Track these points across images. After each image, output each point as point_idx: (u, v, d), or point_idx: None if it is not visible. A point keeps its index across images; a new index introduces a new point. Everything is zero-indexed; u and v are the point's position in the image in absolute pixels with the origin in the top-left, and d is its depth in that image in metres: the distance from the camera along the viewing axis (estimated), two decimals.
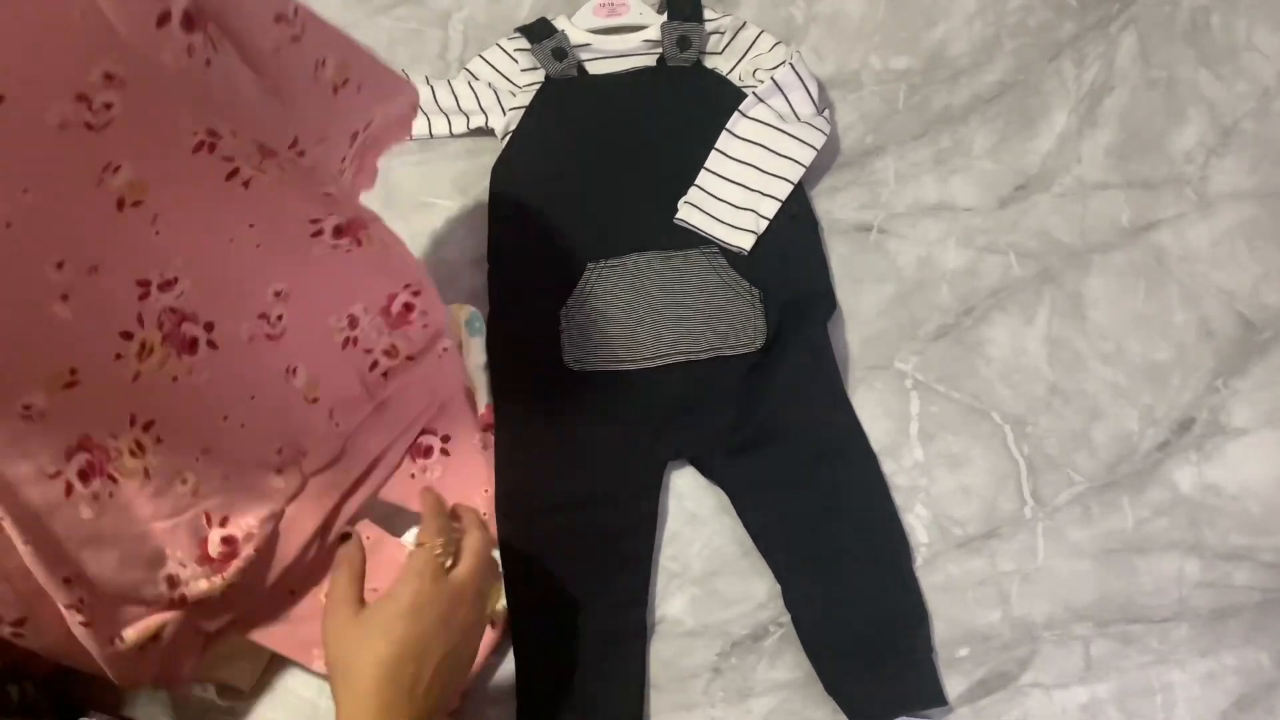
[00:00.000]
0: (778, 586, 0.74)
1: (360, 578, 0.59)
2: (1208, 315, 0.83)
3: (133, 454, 0.59)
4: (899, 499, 0.77)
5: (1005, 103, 0.91)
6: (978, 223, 0.86)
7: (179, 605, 0.62)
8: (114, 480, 0.58)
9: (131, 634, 0.60)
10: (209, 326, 0.62)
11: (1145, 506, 0.77)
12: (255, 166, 0.60)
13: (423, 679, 0.53)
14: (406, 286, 0.71)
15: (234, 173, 0.60)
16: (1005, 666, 0.73)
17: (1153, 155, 0.89)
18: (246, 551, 0.65)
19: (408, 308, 0.72)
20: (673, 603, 0.74)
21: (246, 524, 0.66)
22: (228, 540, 0.64)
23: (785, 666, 0.73)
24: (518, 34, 0.89)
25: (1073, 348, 0.82)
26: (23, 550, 0.52)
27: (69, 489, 0.55)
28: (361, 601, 0.57)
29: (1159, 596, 0.74)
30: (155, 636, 0.61)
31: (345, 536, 0.63)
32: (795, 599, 0.73)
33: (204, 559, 0.63)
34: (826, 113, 0.87)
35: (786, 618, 0.73)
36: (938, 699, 0.71)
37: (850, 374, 0.81)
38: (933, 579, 0.75)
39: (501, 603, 0.71)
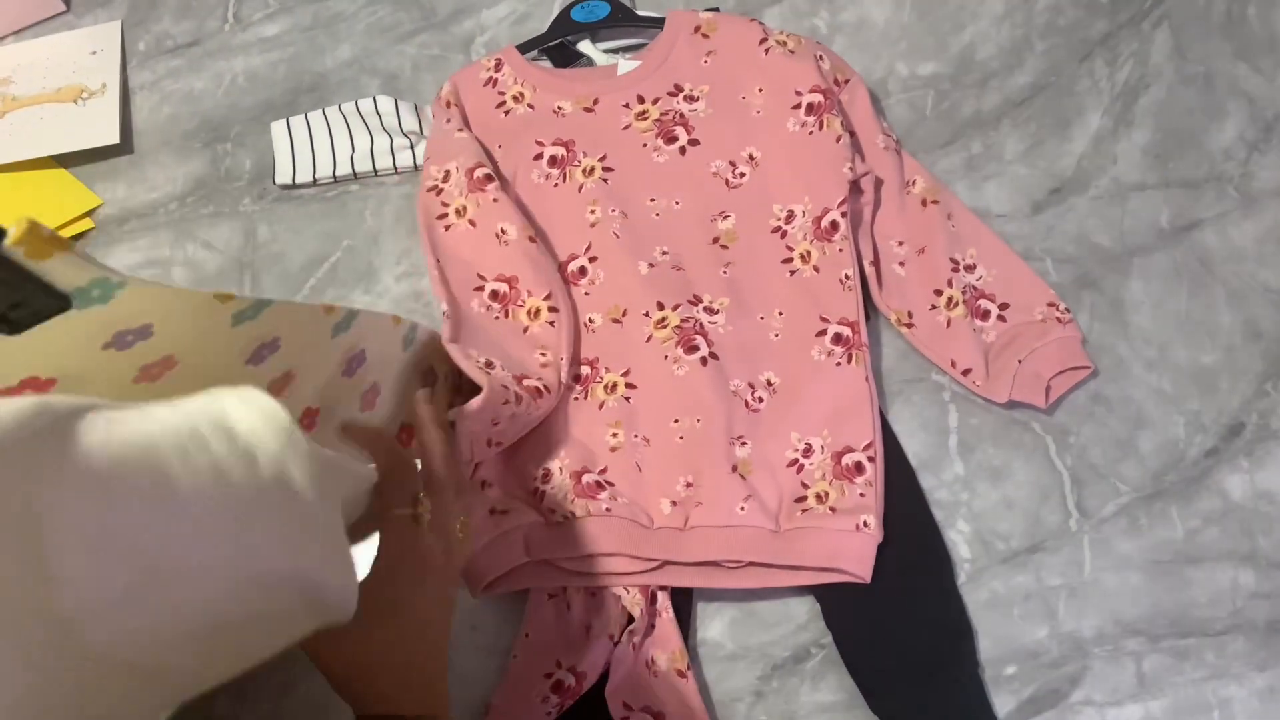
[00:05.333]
0: (818, 606, 0.72)
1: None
2: (1255, 316, 0.81)
3: (605, 388, 0.75)
4: (939, 514, 0.75)
5: (1037, 105, 0.89)
6: (1012, 229, 0.84)
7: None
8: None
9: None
10: (712, 351, 0.75)
11: (1195, 516, 0.75)
12: (805, 260, 0.78)
13: None
14: (867, 447, 0.72)
15: (788, 259, 0.79)
16: (1055, 684, 0.71)
17: (1192, 153, 0.86)
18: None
19: (858, 467, 0.72)
20: (712, 626, 0.73)
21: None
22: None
23: (828, 689, 0.71)
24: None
25: (1115, 354, 0.80)
26: None
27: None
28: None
29: (1213, 608, 0.72)
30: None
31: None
32: (836, 619, 0.72)
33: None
34: None
35: (828, 638, 0.72)
36: (986, 716, 0.69)
37: (887, 387, 0.80)
38: (977, 596, 0.73)
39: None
